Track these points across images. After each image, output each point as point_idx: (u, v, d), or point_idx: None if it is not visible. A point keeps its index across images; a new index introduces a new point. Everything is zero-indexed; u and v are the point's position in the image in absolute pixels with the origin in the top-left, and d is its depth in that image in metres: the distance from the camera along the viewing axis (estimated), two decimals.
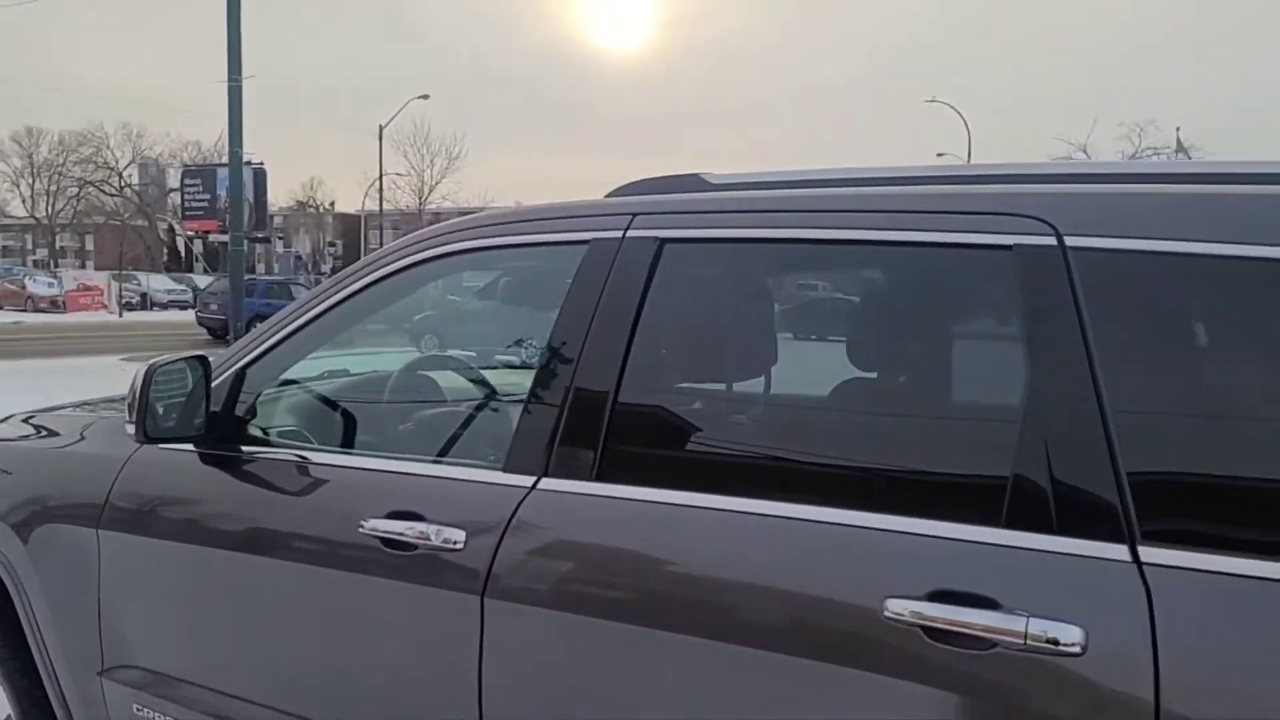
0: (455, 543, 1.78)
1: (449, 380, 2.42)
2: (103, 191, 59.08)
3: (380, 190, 45.42)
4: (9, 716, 2.44)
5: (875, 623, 1.40)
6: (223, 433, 2.18)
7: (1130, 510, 1.33)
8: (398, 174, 49.76)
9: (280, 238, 66.02)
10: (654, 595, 1.60)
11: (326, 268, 57.61)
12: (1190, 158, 40.25)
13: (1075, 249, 1.45)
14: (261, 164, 44.23)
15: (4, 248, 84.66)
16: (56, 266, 56.41)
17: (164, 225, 58.22)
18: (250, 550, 2.06)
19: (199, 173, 42.13)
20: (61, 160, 65.36)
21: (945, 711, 1.36)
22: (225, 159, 39.33)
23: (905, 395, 1.73)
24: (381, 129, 43.29)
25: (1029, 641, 1.31)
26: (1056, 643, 1.30)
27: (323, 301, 2.18)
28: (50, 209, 69.93)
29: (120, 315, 34.85)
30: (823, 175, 1.87)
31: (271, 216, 59.99)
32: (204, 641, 2.18)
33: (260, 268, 58.97)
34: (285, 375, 2.31)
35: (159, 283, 44.16)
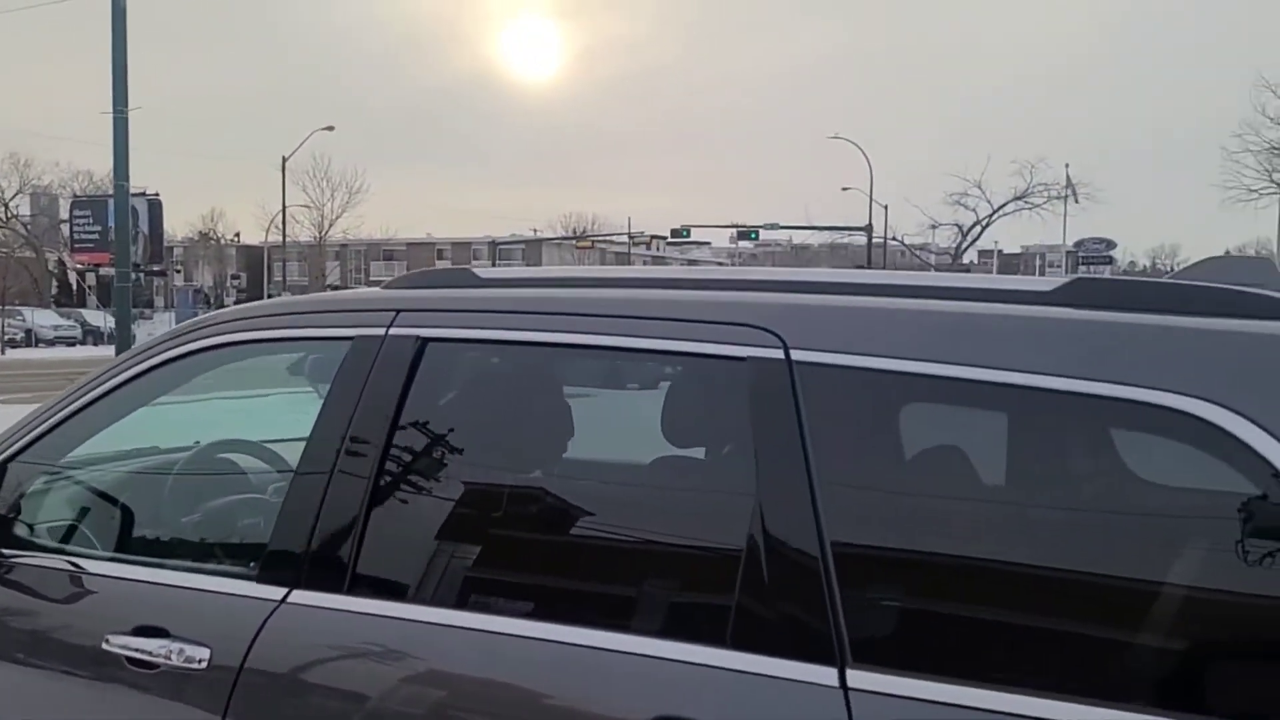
0: (199, 661, 1.69)
1: (232, 470, 2.32)
2: None
3: (284, 223, 44.48)
4: None
5: None
6: None
7: (843, 634, 1.32)
8: (301, 206, 48.78)
9: (179, 270, 64.05)
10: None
11: (230, 300, 56.05)
12: (1077, 194, 42.08)
13: (800, 363, 1.44)
14: (157, 194, 42.92)
15: None
16: None
17: (54, 258, 56.01)
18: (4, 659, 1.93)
19: (89, 204, 40.74)
20: None
21: None
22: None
23: (649, 513, 1.69)
24: (284, 160, 42.45)
25: None
26: None
27: (90, 391, 2.06)
28: None
29: (2, 352, 33.29)
30: (590, 275, 1.84)
31: (171, 248, 58.19)
32: None
33: (159, 301, 57.04)
34: (65, 459, 2.18)
35: (45, 318, 42.28)
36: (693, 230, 48.14)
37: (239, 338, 1.96)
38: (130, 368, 2.04)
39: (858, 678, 1.29)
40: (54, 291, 56.04)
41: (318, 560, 1.69)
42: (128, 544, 2.05)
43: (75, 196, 47.17)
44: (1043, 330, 1.36)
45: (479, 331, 1.75)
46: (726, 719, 1.32)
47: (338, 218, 51.38)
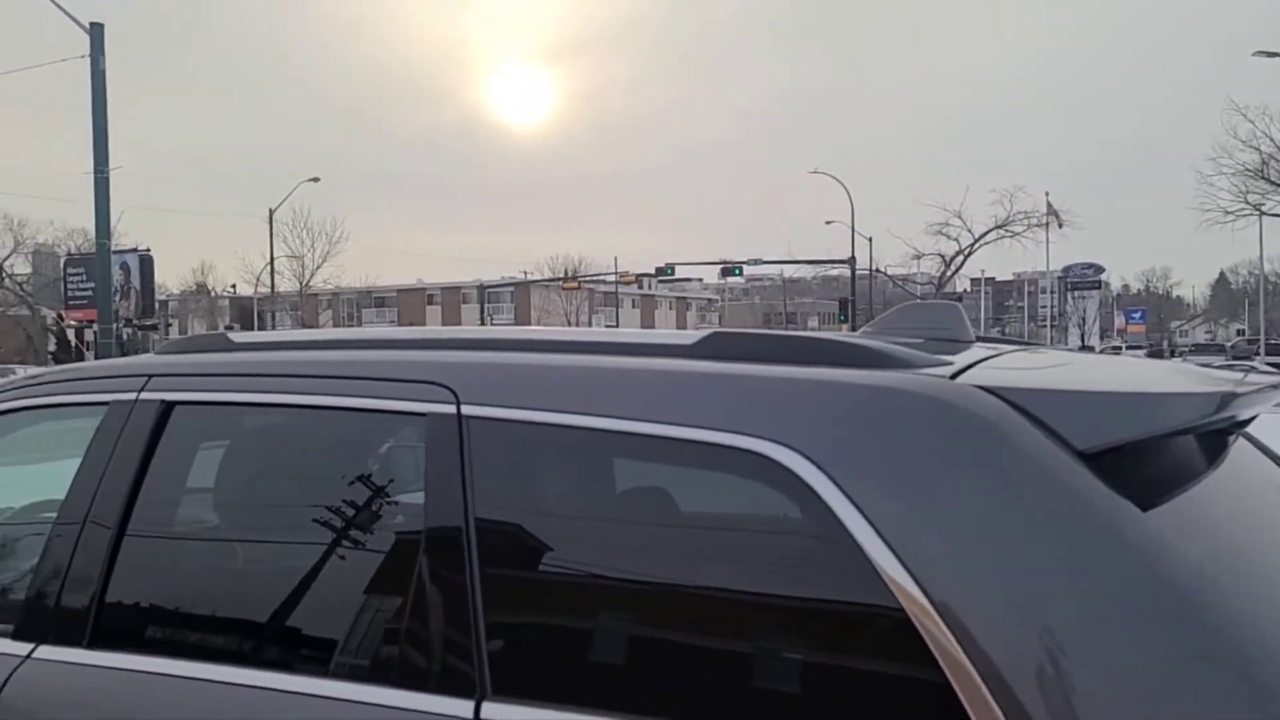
0: None
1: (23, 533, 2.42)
2: None
3: (271, 274, 44.87)
4: None
5: None
6: None
7: (484, 667, 1.42)
8: (287, 256, 49.12)
9: (172, 324, 64.39)
10: None
11: None
12: (1060, 221, 42.38)
13: (469, 417, 1.56)
14: (148, 250, 43.44)
15: None
16: None
17: (52, 315, 56.39)
18: None
19: (82, 261, 41.09)
20: None
21: None
22: (120, 245, 38.45)
23: (338, 563, 1.79)
24: (271, 213, 42.89)
25: None
26: None
27: None
28: None
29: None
30: (320, 338, 1.97)
31: (165, 302, 58.61)
32: None
33: None
34: None
35: None
36: (678, 267, 48.41)
37: (16, 404, 2.08)
38: None
39: (491, 709, 1.40)
40: (53, 348, 56.33)
41: (63, 615, 1.79)
42: None
43: (69, 255, 47.60)
44: (666, 382, 1.48)
45: (217, 394, 1.87)
46: None
47: (318, 267, 51.68)
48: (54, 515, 1.93)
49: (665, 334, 1.66)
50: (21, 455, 2.26)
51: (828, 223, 56.89)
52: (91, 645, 1.76)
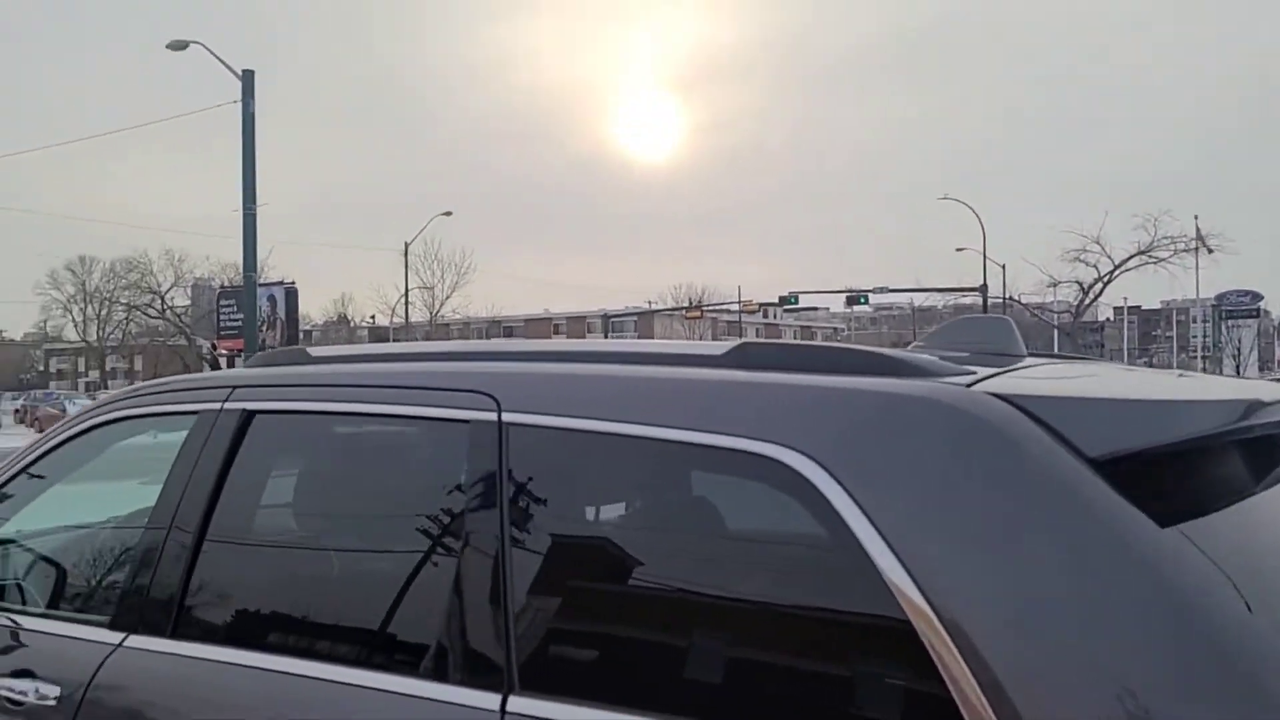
0: (49, 698, 1.95)
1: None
2: (146, 315, 61.23)
3: (405, 304, 46.64)
4: None
5: None
6: None
7: (517, 667, 1.48)
8: (419, 287, 51.01)
9: None
10: None
11: None
12: (1209, 246, 40.15)
13: (509, 424, 1.63)
14: (293, 283, 45.77)
15: (58, 371, 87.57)
16: (105, 387, 58.21)
17: (208, 344, 60.06)
18: None
19: (233, 294, 43.61)
20: (111, 286, 68.13)
21: None
22: (267, 278, 40.79)
23: (391, 563, 1.87)
24: (407, 246, 44.62)
25: None
26: None
27: (10, 467, 2.40)
28: (100, 333, 72.45)
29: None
30: (385, 351, 2.08)
31: (309, 332, 61.66)
32: None
33: None
34: None
35: None
36: (803, 296, 48.01)
37: (124, 413, 2.27)
38: (36, 449, 2.37)
39: (517, 703, 1.45)
40: None
41: (151, 608, 1.94)
42: (21, 599, 2.35)
43: (222, 288, 50.62)
44: (689, 391, 1.52)
45: (291, 404, 2.00)
46: None
47: (448, 297, 53.45)
48: (147, 518, 2.08)
49: (698, 345, 1.69)
50: (122, 463, 2.44)
51: (959, 250, 55.42)
52: (174, 636, 1.90)
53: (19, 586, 2.35)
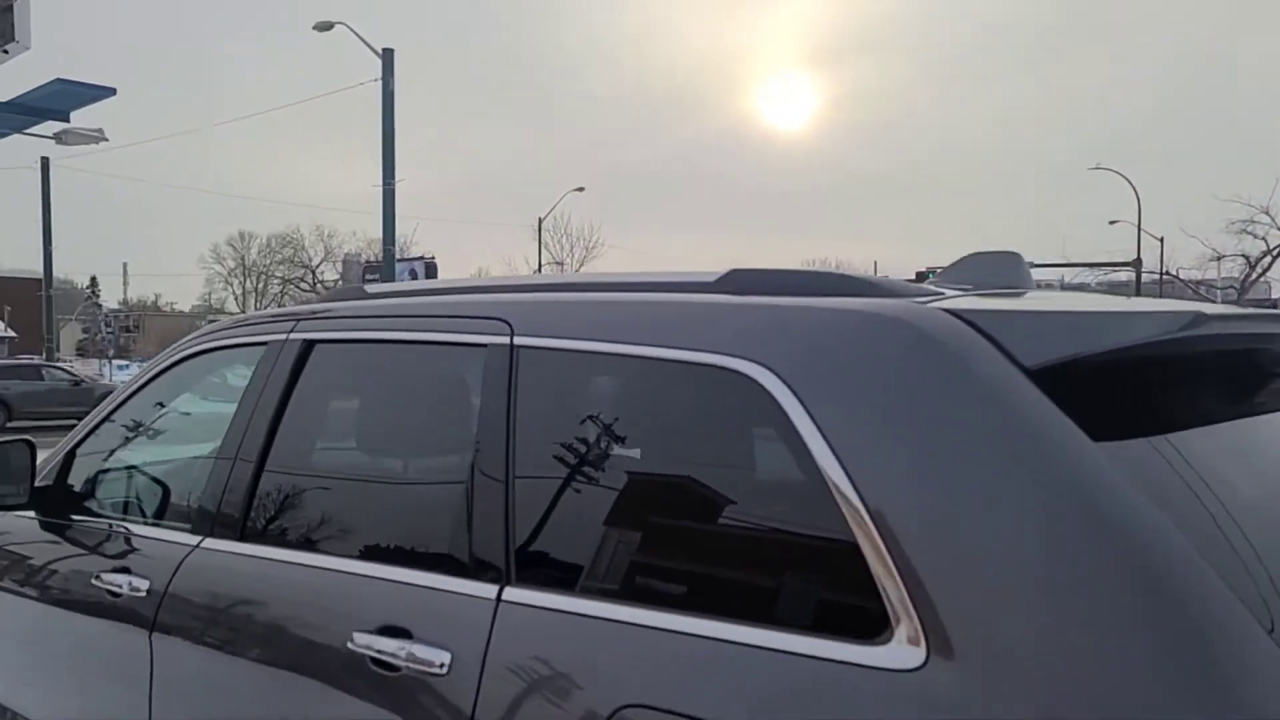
0: (140, 590, 2.22)
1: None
2: (299, 288, 64.48)
3: None
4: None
5: (342, 648, 1.74)
6: (55, 502, 2.71)
7: (515, 561, 1.62)
8: (549, 262, 51.93)
9: None
10: (231, 625, 1.99)
11: None
12: None
13: (519, 346, 1.77)
14: (433, 258, 47.41)
15: None
16: None
17: None
18: (44, 597, 2.57)
19: (377, 268, 45.49)
20: (267, 261, 72.06)
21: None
22: (410, 254, 42.47)
23: (420, 473, 2.04)
24: (540, 221, 45.50)
25: (410, 664, 1.61)
26: (432, 667, 1.59)
27: (131, 389, 2.70)
28: (258, 305, 76.72)
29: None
30: (431, 286, 2.24)
31: None
32: (19, 675, 2.69)
33: None
34: (114, 457, 2.82)
35: None
36: (939, 271, 46.52)
37: (207, 346, 2.52)
38: (141, 378, 2.66)
39: (511, 593, 1.59)
40: None
41: (223, 516, 2.17)
42: (138, 512, 2.64)
43: (368, 262, 52.85)
44: (674, 314, 1.62)
45: (344, 334, 2.19)
46: (427, 627, 1.65)
47: (577, 271, 54.17)
48: (223, 438, 2.32)
49: (696, 274, 1.78)
50: (207, 389, 2.71)
51: (1111, 223, 52.72)
52: (241, 539, 2.12)
53: (125, 501, 2.65)
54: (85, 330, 75.86)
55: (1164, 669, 1.05)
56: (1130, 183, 41.20)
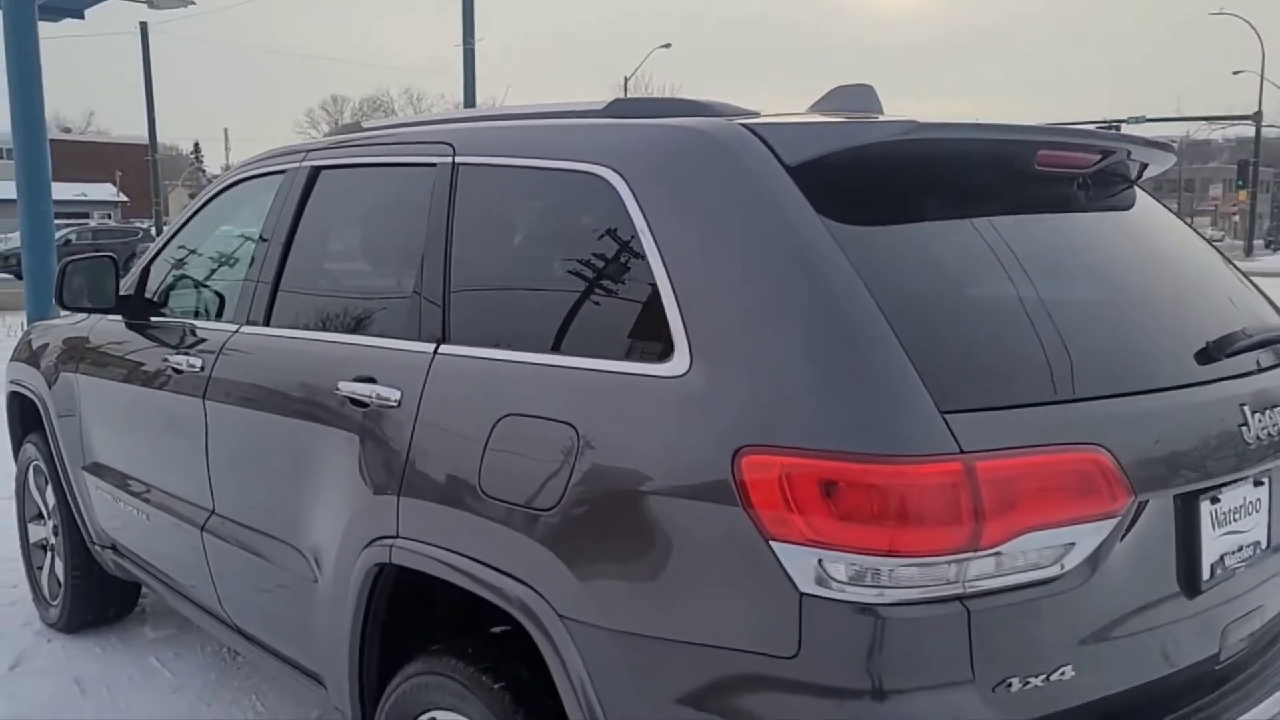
0: (196, 367, 2.84)
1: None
2: None
3: None
4: None
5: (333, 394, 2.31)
6: (134, 307, 3.35)
7: (449, 326, 2.14)
8: None
9: None
10: (257, 387, 2.61)
11: None
12: None
13: (460, 164, 2.25)
14: None
15: None
16: None
17: None
18: (130, 380, 3.25)
19: None
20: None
21: (349, 443, 2.25)
22: None
23: (384, 273, 2.60)
24: (626, 80, 45.04)
25: (375, 400, 2.17)
26: (388, 401, 2.15)
27: (188, 213, 3.31)
28: None
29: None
30: (404, 121, 2.73)
31: None
32: (113, 439, 3.40)
33: None
34: (185, 268, 3.44)
35: None
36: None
37: (248, 174, 3.08)
38: (195, 206, 3.26)
39: (446, 349, 2.12)
40: None
41: (254, 308, 2.76)
42: (199, 311, 3.26)
43: None
44: (562, 132, 2.07)
45: (338, 160, 2.70)
46: (386, 375, 2.20)
47: None
48: (253, 249, 2.89)
49: (587, 102, 2.23)
50: (243, 211, 3.28)
51: (1235, 73, 49.71)
52: (265, 325, 2.71)
53: (184, 304, 3.29)
54: (191, 194, 78.62)
55: (825, 365, 1.51)
56: (1254, 28, 38.63)
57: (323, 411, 2.34)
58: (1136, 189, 2.25)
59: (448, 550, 1.94)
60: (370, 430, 2.19)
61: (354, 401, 2.24)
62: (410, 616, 2.20)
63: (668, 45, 43.98)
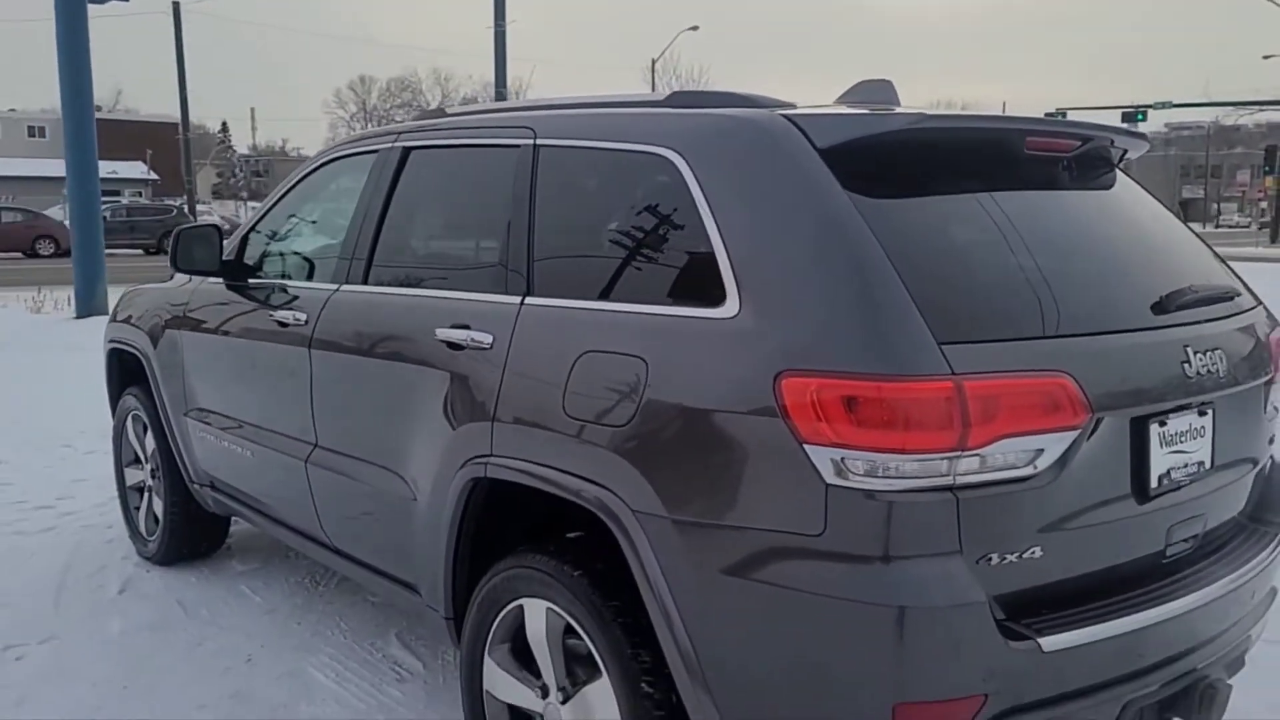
0: (301, 320, 3.28)
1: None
2: None
3: None
4: None
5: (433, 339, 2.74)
6: (235, 271, 3.80)
7: (533, 281, 2.56)
8: None
9: None
10: (360, 336, 3.04)
11: None
12: None
13: (541, 145, 2.66)
14: None
15: None
16: None
17: None
18: (234, 334, 3.70)
19: None
20: (387, 105, 73.55)
21: (446, 380, 2.67)
22: (525, 97, 43.21)
23: (472, 237, 3.01)
24: (654, 62, 45.24)
25: (470, 343, 2.60)
26: (482, 344, 2.57)
27: (283, 189, 3.75)
28: None
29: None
30: (487, 108, 3.15)
31: None
32: (216, 387, 3.86)
33: None
34: (277, 237, 3.88)
35: None
36: (1071, 113, 44.76)
37: (341, 154, 3.51)
38: (291, 180, 3.70)
39: (532, 300, 2.54)
40: None
41: (353, 269, 3.19)
42: (295, 275, 3.69)
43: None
44: (629, 118, 2.48)
45: (427, 141, 3.12)
46: (479, 322, 2.62)
47: None
48: (349, 222, 3.32)
49: (653, 94, 2.63)
50: (336, 186, 3.71)
51: (1265, 57, 49.29)
52: (364, 283, 3.14)
53: (285, 267, 3.73)
54: (219, 174, 79.33)
55: (847, 307, 1.92)
56: None
57: (421, 354, 2.77)
58: (1118, 172, 2.65)
59: (536, 464, 2.36)
60: (465, 368, 2.62)
61: (450, 345, 2.66)
62: (496, 527, 2.63)
63: (695, 28, 44.13)
